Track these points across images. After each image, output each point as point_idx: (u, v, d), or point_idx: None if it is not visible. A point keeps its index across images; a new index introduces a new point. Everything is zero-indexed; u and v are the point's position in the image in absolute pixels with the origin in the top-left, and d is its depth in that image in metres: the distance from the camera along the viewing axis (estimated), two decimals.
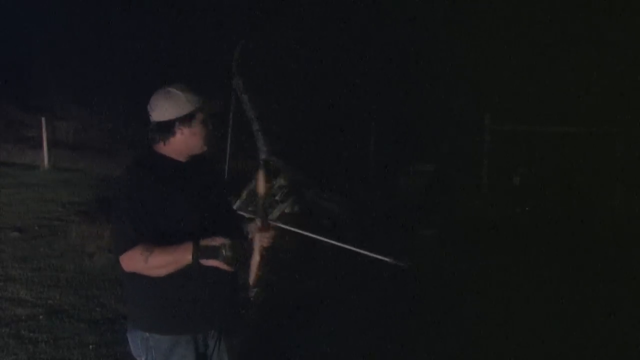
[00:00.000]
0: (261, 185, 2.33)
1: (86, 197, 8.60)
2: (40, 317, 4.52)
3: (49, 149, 11.90)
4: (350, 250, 2.37)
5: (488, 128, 8.48)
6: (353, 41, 12.49)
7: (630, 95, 8.89)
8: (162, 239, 2.15)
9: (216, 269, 2.12)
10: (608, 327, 4.49)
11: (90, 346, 4.06)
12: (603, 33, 9.76)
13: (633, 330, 4.41)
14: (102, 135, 13.47)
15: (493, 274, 5.66)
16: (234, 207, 6.80)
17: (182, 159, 2.30)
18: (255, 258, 2.34)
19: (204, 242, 2.11)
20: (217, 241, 2.10)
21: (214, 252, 2.09)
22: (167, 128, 2.24)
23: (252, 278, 2.36)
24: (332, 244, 2.39)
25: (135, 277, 2.20)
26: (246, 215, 2.64)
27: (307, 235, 2.42)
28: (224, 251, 2.08)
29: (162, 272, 2.15)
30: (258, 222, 2.33)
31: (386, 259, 2.29)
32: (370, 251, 2.31)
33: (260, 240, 2.34)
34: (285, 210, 7.09)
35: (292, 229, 2.47)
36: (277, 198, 6.94)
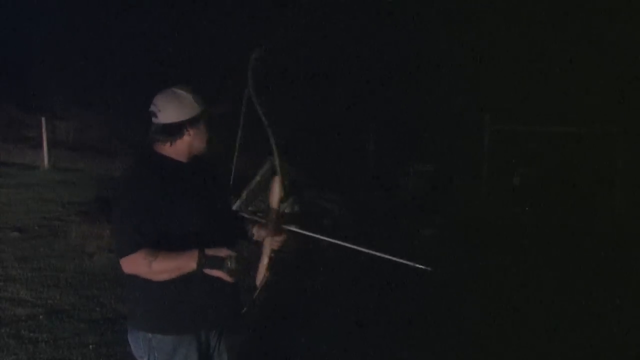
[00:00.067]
0: (276, 192, 2.34)
1: (86, 197, 8.59)
2: (40, 317, 4.52)
3: (49, 149, 11.90)
4: (365, 253, 2.38)
5: (488, 128, 8.46)
6: (353, 41, 12.50)
7: (630, 95, 8.89)
8: (166, 242, 2.15)
9: None
10: (608, 327, 4.49)
11: (90, 346, 4.06)
12: (603, 33, 9.77)
13: (633, 330, 4.41)
14: (102, 135, 13.48)
15: (493, 274, 5.66)
16: (234, 207, 6.81)
17: (183, 159, 2.30)
18: (264, 260, 2.37)
19: (210, 252, 2.13)
20: (223, 252, 2.13)
21: (218, 263, 2.12)
22: (176, 130, 2.24)
23: (259, 279, 2.39)
24: (353, 249, 2.41)
25: (137, 277, 2.19)
26: (246, 215, 2.64)
27: (323, 239, 2.43)
28: (229, 263, 2.11)
29: (164, 277, 2.15)
30: (270, 226, 2.35)
31: (411, 263, 2.30)
32: (394, 255, 2.33)
33: (271, 244, 2.37)
34: (286, 210, 7.08)
35: (308, 233, 2.49)
36: None
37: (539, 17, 10.96)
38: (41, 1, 16.22)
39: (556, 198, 7.85)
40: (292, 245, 5.59)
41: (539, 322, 4.60)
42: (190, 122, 2.25)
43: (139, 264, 2.13)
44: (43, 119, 12.11)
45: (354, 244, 2.44)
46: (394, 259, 2.35)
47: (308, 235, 2.48)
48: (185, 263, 2.13)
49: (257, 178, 7.12)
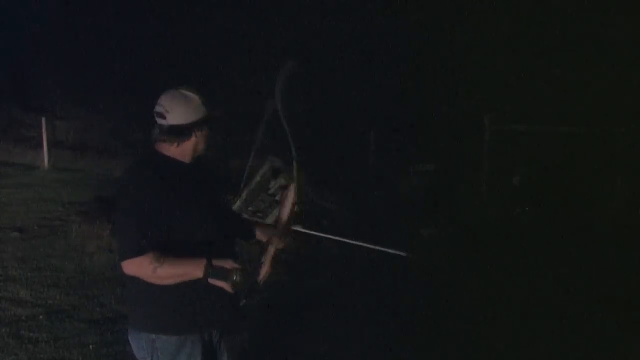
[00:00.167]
0: (291, 198, 2.44)
1: (86, 197, 8.59)
2: (40, 317, 4.52)
3: (49, 149, 11.90)
4: (353, 244, 2.53)
5: (488, 128, 8.46)
6: (353, 41, 12.50)
7: (630, 95, 8.89)
8: (170, 244, 2.15)
9: None
10: (608, 327, 4.49)
11: (90, 346, 4.06)
12: (603, 33, 9.77)
13: (633, 331, 4.41)
14: (102, 135, 13.47)
15: (493, 274, 5.65)
16: (234, 207, 6.81)
17: (187, 160, 2.31)
18: (269, 257, 2.46)
19: (218, 263, 2.15)
20: (229, 264, 2.15)
21: (224, 275, 2.14)
22: (184, 131, 2.24)
23: (262, 273, 2.45)
24: (337, 240, 2.57)
25: (138, 279, 2.18)
26: (247, 215, 2.69)
27: (315, 235, 2.57)
28: (234, 276, 2.13)
29: (166, 282, 2.16)
30: (281, 228, 2.47)
31: (389, 250, 2.42)
32: (374, 244, 2.48)
33: (277, 244, 2.47)
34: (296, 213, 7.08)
35: (310, 231, 2.65)
36: (276, 198, 6.93)
37: (539, 17, 10.96)
38: (41, 1, 16.22)
39: (556, 198, 7.85)
40: (292, 243, 5.67)
41: (539, 322, 4.60)
42: (198, 124, 2.26)
43: (144, 268, 2.12)
44: (43, 119, 12.11)
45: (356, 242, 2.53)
46: (372, 246, 2.49)
47: (308, 234, 2.63)
48: (191, 271, 2.15)
49: (257, 178, 7.10)
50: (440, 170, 9.01)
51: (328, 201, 7.79)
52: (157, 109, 2.25)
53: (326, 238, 6.52)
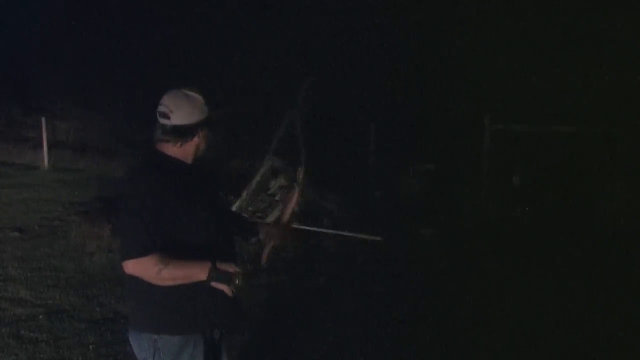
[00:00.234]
0: (294, 201, 2.50)
1: (86, 197, 8.60)
2: (40, 317, 4.53)
3: (49, 149, 11.90)
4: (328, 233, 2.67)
5: (488, 128, 8.46)
6: (353, 41, 12.50)
7: (630, 95, 8.88)
8: (174, 245, 2.14)
9: None
10: (608, 327, 4.49)
11: (90, 346, 4.06)
12: (603, 33, 9.76)
13: (633, 330, 4.41)
14: (102, 135, 13.47)
15: (493, 274, 5.66)
16: (234, 207, 6.82)
17: (189, 161, 2.31)
18: (268, 248, 2.57)
19: (222, 267, 2.17)
20: (232, 268, 2.18)
21: (227, 278, 2.17)
22: (188, 132, 2.25)
23: (264, 255, 2.58)
24: (334, 237, 2.68)
25: (140, 279, 2.17)
26: (247, 215, 2.75)
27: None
28: (237, 280, 2.17)
29: (167, 283, 2.15)
30: (282, 227, 2.56)
31: (361, 235, 2.56)
32: (347, 232, 2.65)
33: (276, 241, 2.55)
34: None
35: (306, 227, 2.74)
36: (276, 198, 6.94)
37: (539, 17, 10.96)
38: (41, 1, 16.22)
39: (556, 198, 7.86)
40: (292, 243, 5.72)
41: (539, 322, 4.60)
42: (201, 125, 2.26)
43: (148, 269, 2.11)
44: (43, 119, 12.11)
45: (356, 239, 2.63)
46: (347, 234, 2.65)
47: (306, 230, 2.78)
48: (195, 274, 2.16)
49: (257, 178, 7.12)
50: (440, 170, 9.02)
51: (328, 201, 7.79)
52: (161, 108, 2.24)
53: (326, 238, 6.52)
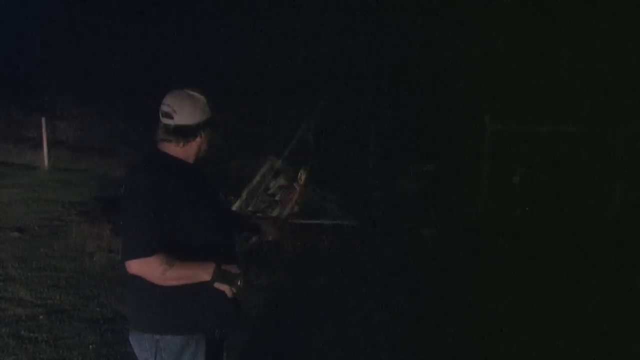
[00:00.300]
0: (294, 199, 2.54)
1: (86, 197, 8.60)
2: (40, 317, 4.53)
3: (49, 149, 11.89)
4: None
5: (488, 128, 8.46)
6: (353, 41, 12.50)
7: (630, 95, 8.89)
8: (176, 245, 2.14)
9: None
10: (608, 327, 4.49)
11: (90, 346, 4.06)
12: (603, 33, 9.77)
13: (633, 330, 4.41)
14: (102, 135, 13.46)
15: (493, 274, 5.66)
16: (234, 207, 6.82)
17: (190, 160, 2.31)
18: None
19: (226, 268, 2.19)
20: (234, 270, 2.20)
21: (230, 280, 2.18)
22: (191, 132, 2.25)
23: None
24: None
25: (141, 279, 2.17)
26: (246, 215, 2.75)
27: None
28: (239, 282, 2.19)
29: (171, 284, 2.16)
30: (279, 224, 2.60)
31: (336, 222, 2.60)
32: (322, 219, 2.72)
33: (272, 234, 2.64)
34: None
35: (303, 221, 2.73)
36: (276, 198, 6.94)
37: (539, 17, 10.96)
38: (41, 1, 16.22)
39: (556, 198, 7.86)
40: (291, 244, 5.73)
41: (539, 321, 4.60)
42: (204, 125, 2.27)
43: (153, 269, 2.11)
44: (43, 119, 12.09)
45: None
46: (324, 221, 2.70)
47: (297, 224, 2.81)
48: (199, 275, 2.16)
49: (257, 178, 7.12)
50: (440, 170, 9.02)
51: (328, 201, 7.78)
52: (164, 108, 2.24)
53: (326, 237, 6.52)
